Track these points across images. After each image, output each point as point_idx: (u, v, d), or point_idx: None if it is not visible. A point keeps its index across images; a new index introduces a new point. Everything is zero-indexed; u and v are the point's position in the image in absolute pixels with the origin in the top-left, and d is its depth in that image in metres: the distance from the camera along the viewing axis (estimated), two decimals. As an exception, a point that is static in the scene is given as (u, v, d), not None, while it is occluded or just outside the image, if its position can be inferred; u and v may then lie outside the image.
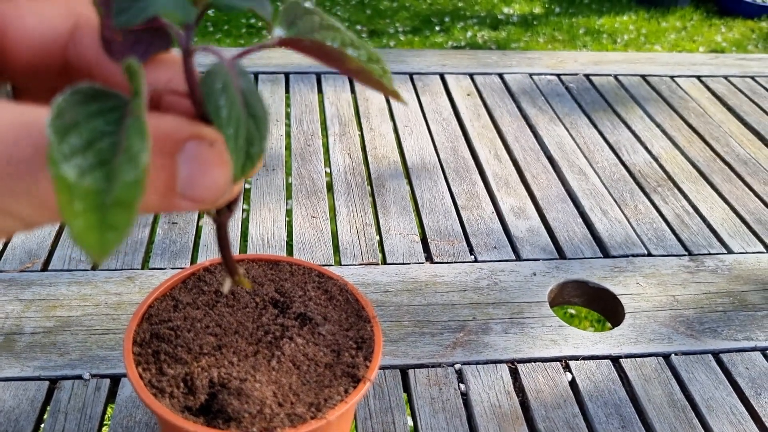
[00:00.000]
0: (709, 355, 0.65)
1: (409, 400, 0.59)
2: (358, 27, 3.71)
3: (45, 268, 0.69)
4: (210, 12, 3.63)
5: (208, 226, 0.77)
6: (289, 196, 0.82)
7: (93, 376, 0.58)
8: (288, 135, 0.94)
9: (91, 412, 0.56)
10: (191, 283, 0.49)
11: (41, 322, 0.63)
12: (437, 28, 3.76)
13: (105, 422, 0.56)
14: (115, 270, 0.69)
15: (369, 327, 0.46)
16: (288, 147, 0.91)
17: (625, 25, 3.94)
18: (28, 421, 0.54)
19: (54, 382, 0.58)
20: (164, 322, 0.45)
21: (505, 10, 4.11)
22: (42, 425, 0.55)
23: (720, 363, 0.64)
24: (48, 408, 0.56)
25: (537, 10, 4.13)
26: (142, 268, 0.70)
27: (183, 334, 0.44)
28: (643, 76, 1.16)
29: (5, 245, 0.72)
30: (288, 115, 0.98)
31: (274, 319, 0.45)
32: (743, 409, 0.60)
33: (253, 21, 3.68)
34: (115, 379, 0.58)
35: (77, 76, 0.25)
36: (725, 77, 1.18)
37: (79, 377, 0.58)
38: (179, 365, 0.42)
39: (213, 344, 0.44)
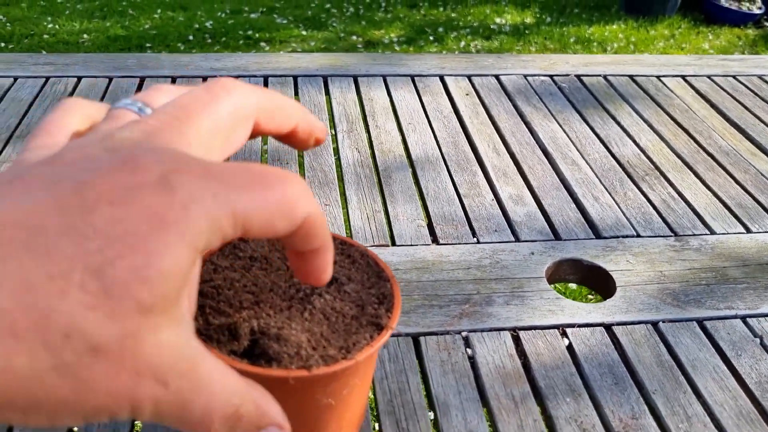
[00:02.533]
0: (694, 322, 0.71)
1: (421, 364, 0.65)
2: (354, 37, 3.79)
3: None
4: (208, 24, 3.70)
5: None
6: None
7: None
8: (298, 132, 1.00)
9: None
10: (228, 251, 0.54)
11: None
12: (431, 38, 3.84)
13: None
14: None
15: (388, 285, 0.51)
16: (299, 143, 0.97)
17: (615, 33, 4.03)
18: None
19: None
20: (206, 282, 0.50)
21: (498, 20, 4.19)
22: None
23: (704, 329, 0.70)
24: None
25: (528, 20, 4.22)
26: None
27: (224, 291, 0.50)
28: (630, 77, 1.23)
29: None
30: (298, 115, 1.04)
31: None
32: (725, 368, 0.66)
33: (250, 32, 3.75)
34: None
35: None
36: (708, 77, 1.25)
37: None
38: (223, 317, 0.48)
39: (251, 300, 0.49)
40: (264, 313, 0.49)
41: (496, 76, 1.20)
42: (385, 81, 1.15)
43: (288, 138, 0.35)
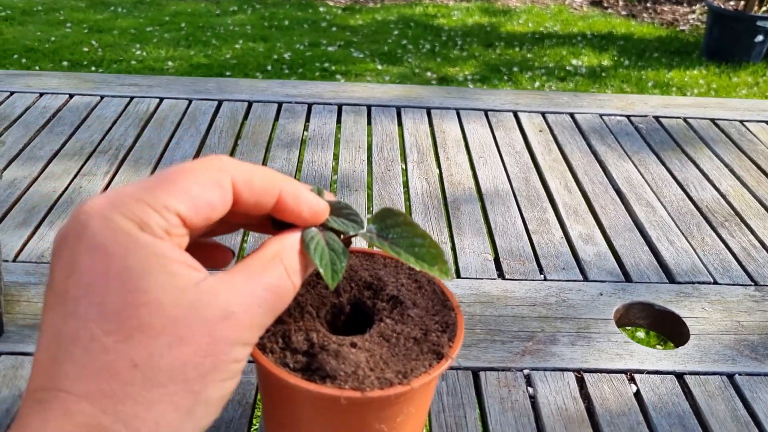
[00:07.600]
0: (773, 377, 0.67)
1: (480, 400, 0.63)
2: (428, 73, 3.82)
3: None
4: (286, 55, 3.79)
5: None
6: (370, 214, 0.88)
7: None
8: (369, 161, 1.01)
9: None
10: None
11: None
12: (505, 77, 3.83)
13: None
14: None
15: (453, 314, 0.50)
16: (369, 172, 0.98)
17: (695, 79, 3.93)
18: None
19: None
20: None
21: (574, 61, 4.16)
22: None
23: (784, 385, 0.66)
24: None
25: (606, 62, 4.17)
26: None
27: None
28: (712, 120, 1.19)
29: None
30: (369, 144, 1.05)
31: (369, 299, 0.51)
32: (806, 428, 0.62)
33: (326, 65, 3.83)
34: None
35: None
36: (796, 123, 1.20)
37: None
38: (279, 324, 0.47)
39: (313, 314, 0.49)
40: (323, 328, 0.48)
41: (571, 114, 1.18)
42: (458, 114, 1.15)
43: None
